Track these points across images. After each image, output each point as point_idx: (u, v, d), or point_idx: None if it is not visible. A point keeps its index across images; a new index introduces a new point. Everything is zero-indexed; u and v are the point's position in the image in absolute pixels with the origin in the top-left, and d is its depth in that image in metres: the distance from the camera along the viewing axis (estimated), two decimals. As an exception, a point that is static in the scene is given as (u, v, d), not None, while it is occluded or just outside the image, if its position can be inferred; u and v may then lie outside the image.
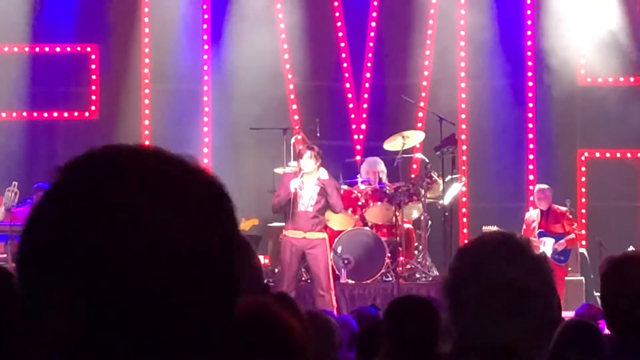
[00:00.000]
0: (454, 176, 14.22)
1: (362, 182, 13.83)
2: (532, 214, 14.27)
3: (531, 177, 15.52)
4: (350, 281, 13.08)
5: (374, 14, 15.88)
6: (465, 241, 13.78)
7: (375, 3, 15.91)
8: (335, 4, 15.89)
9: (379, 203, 13.61)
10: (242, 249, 3.28)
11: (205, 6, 15.81)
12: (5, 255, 12.91)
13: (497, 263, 2.83)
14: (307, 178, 12.56)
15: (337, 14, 15.83)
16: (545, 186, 14.52)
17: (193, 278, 1.43)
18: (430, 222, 14.05)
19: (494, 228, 12.42)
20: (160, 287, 1.41)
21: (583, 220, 15.15)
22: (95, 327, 1.42)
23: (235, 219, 1.48)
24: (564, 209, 14.30)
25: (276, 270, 13.02)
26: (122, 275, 1.40)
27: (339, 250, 12.96)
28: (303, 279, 12.92)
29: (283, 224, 13.11)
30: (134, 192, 1.42)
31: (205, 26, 15.84)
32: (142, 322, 1.42)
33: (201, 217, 1.44)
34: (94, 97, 16.01)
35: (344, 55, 15.86)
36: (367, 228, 13.50)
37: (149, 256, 1.40)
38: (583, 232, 14.94)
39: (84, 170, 1.45)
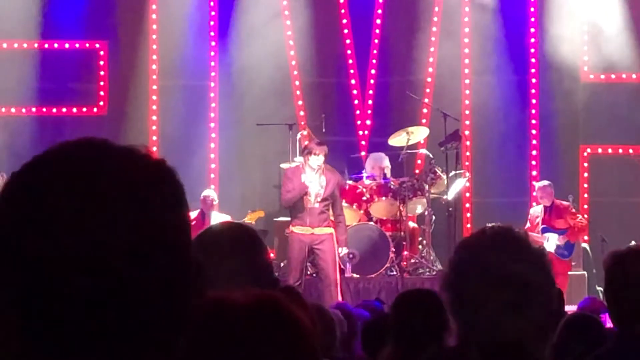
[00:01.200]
0: (457, 172, 14.19)
1: (367, 177, 13.80)
2: (536, 210, 14.22)
3: (534, 172, 15.46)
4: (355, 275, 13.06)
5: (379, 11, 15.80)
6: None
7: (380, 0, 15.82)
8: (341, 0, 15.79)
9: (383, 198, 13.57)
10: (252, 249, 3.00)
11: (212, 3, 15.72)
12: None
13: (497, 257, 2.81)
14: (314, 174, 12.55)
15: (342, 10, 15.75)
16: (546, 183, 14.47)
17: (132, 273, 1.41)
18: (434, 217, 13.96)
19: (496, 223, 12.49)
20: (96, 283, 1.39)
21: (585, 216, 14.94)
22: (36, 325, 1.41)
23: (175, 203, 1.47)
24: (566, 203, 14.20)
25: (282, 264, 12.98)
26: (58, 274, 1.39)
27: (342, 251, 12.89)
28: (308, 273, 12.88)
29: (288, 218, 13.07)
30: (69, 193, 1.41)
31: (212, 23, 15.75)
32: (81, 319, 1.41)
33: (135, 207, 1.42)
34: (102, 93, 15.92)
35: (349, 51, 15.78)
36: (371, 223, 13.47)
37: (84, 255, 1.39)
38: (586, 225, 14.64)
39: (26, 174, 1.44)
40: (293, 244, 12.53)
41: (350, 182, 13.64)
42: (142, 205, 1.43)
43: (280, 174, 13.78)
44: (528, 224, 13.94)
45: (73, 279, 1.38)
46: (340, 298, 11.88)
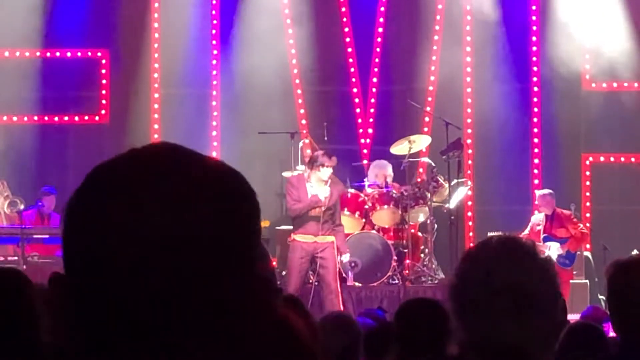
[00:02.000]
0: (459, 180, 14.19)
1: (369, 185, 13.80)
2: (538, 218, 14.27)
3: (536, 181, 15.50)
4: (357, 284, 13.06)
5: (381, 20, 15.83)
6: (471, 244, 13.77)
7: (382, 9, 15.86)
8: (343, 9, 15.82)
9: (385, 207, 13.57)
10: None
11: (214, 12, 15.80)
12: (16, 258, 12.82)
13: (503, 266, 2.81)
14: (318, 184, 12.57)
15: (344, 19, 15.79)
16: (546, 191, 14.55)
17: (203, 265, 1.41)
18: (436, 226, 13.99)
19: (499, 233, 12.52)
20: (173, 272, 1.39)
21: (587, 224, 15.03)
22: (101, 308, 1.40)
23: (251, 209, 1.47)
24: (568, 212, 14.23)
25: (283, 273, 12.99)
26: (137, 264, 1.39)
27: (345, 258, 12.95)
28: (310, 281, 12.91)
29: (290, 227, 13.07)
30: (150, 191, 1.41)
31: (214, 31, 15.82)
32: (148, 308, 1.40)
33: (215, 209, 1.42)
34: (104, 102, 15.95)
35: (351, 60, 15.83)
36: (374, 231, 13.47)
37: (159, 249, 1.38)
38: (588, 233, 14.66)
39: (110, 181, 1.45)
40: (295, 252, 12.51)
41: (352, 190, 13.63)
42: (228, 206, 1.43)
43: (282, 182, 13.78)
44: (527, 231, 13.94)
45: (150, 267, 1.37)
46: (341, 307, 11.87)
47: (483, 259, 2.87)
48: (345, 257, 12.66)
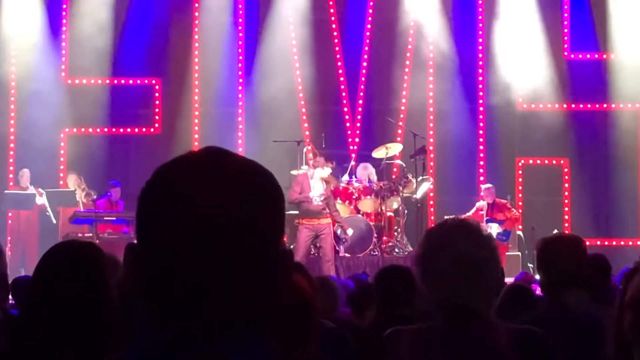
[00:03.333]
0: (424, 177, 14.13)
1: (357, 181, 13.73)
2: (482, 204, 14.17)
3: (481, 178, 15.29)
4: (347, 255, 13.00)
5: (366, 56, 15.61)
6: (432, 225, 13.76)
7: (366, 48, 15.60)
8: (337, 48, 15.68)
9: (368, 197, 13.51)
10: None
11: (240, 50, 15.59)
12: (91, 235, 12.82)
13: (456, 241, 2.80)
14: (315, 180, 12.49)
15: (338, 56, 15.61)
16: (489, 185, 14.39)
17: (243, 244, 1.37)
18: (406, 211, 13.90)
19: (454, 216, 12.45)
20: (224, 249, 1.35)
21: (520, 210, 15.03)
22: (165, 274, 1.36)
23: (275, 198, 1.42)
24: (505, 201, 14.22)
25: (291, 246, 12.81)
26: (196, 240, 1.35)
27: (340, 232, 12.85)
28: (312, 253, 12.79)
29: (296, 212, 12.88)
30: (209, 187, 1.37)
31: (239, 65, 15.61)
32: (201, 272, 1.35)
33: (256, 201, 1.38)
34: (157, 117, 15.71)
35: (342, 86, 15.59)
36: (359, 215, 13.38)
37: (211, 230, 1.35)
38: (520, 218, 14.72)
39: (173, 174, 1.41)
40: (302, 232, 12.42)
41: (343, 184, 13.56)
42: (270, 202, 1.40)
43: (290, 178, 13.59)
44: (471, 213, 13.87)
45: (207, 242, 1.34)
46: (335, 272, 11.80)
47: (441, 235, 2.87)
48: (350, 231, 12.65)
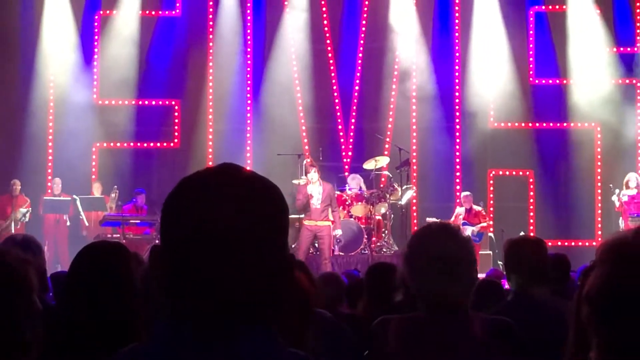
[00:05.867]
0: (408, 186, 14.23)
1: (349, 189, 13.78)
2: (460, 210, 14.21)
3: (458, 187, 15.29)
4: (341, 253, 13.00)
5: (357, 81, 15.61)
6: (416, 228, 13.73)
7: (358, 74, 15.63)
8: (332, 74, 15.70)
9: (359, 203, 13.51)
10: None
11: (248, 75, 15.59)
12: (118, 235, 12.79)
13: (438, 241, 2.80)
14: (314, 187, 12.49)
15: (333, 81, 15.64)
16: (467, 193, 14.40)
17: (249, 246, 1.36)
18: (392, 216, 13.86)
19: (434, 219, 12.39)
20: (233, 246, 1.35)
21: (491, 215, 15.06)
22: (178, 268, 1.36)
23: (280, 207, 1.42)
24: (479, 208, 14.26)
25: (293, 245, 12.90)
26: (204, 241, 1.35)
27: (337, 233, 12.90)
28: (311, 252, 12.80)
29: (297, 215, 12.90)
30: (223, 198, 1.37)
31: (248, 88, 15.61)
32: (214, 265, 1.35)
33: (259, 208, 1.38)
34: (176, 134, 15.67)
35: (337, 107, 15.61)
36: (352, 219, 13.40)
37: (220, 232, 1.35)
38: (491, 222, 14.88)
39: (194, 186, 1.42)
40: (304, 232, 12.41)
41: (337, 192, 13.57)
42: (275, 211, 1.41)
43: (292, 186, 13.70)
44: (452, 219, 13.92)
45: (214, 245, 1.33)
46: (330, 269, 11.76)
47: (425, 236, 2.87)
48: (338, 232, 12.62)
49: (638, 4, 15.22)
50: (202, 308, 1.36)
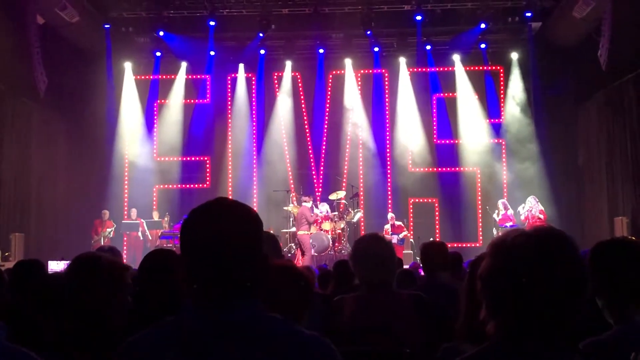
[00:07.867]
0: (357, 210, 15.25)
1: (320, 212, 14.35)
2: (387, 226, 14.84)
3: (389, 209, 15.87)
4: (315, 254, 13.55)
5: (324, 141, 16.46)
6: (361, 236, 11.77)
7: (324, 137, 16.41)
8: (308, 138, 16.50)
9: (327, 221, 14.26)
10: (273, 242, 3.74)
11: (254, 138, 16.31)
12: (171, 245, 13.18)
13: (372, 245, 2.94)
14: (296, 211, 13.62)
15: (308, 139, 16.42)
16: (392, 215, 15.14)
17: (242, 249, 1.46)
18: (348, 229, 14.64)
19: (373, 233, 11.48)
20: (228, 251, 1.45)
21: (411, 227, 15.64)
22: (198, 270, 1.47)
23: (254, 224, 1.53)
24: (399, 223, 14.97)
25: (299, 247, 13.50)
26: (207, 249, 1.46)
27: (312, 241, 13.38)
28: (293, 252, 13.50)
29: (286, 230, 13.96)
30: (213, 219, 1.49)
31: (254, 147, 16.33)
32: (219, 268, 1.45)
33: (242, 224, 1.49)
34: (208, 178, 16.49)
35: (311, 159, 16.36)
36: (322, 231, 14.00)
37: (219, 242, 1.46)
38: (411, 232, 15.35)
39: (196, 213, 1.55)
40: (306, 238, 12.96)
41: (313, 214, 13.96)
42: (255, 231, 1.52)
43: (283, 212, 14.72)
44: (384, 231, 14.41)
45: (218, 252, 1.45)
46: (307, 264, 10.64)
47: (364, 242, 3.00)
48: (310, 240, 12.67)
49: (502, 92, 15.98)
50: (210, 289, 1.47)
